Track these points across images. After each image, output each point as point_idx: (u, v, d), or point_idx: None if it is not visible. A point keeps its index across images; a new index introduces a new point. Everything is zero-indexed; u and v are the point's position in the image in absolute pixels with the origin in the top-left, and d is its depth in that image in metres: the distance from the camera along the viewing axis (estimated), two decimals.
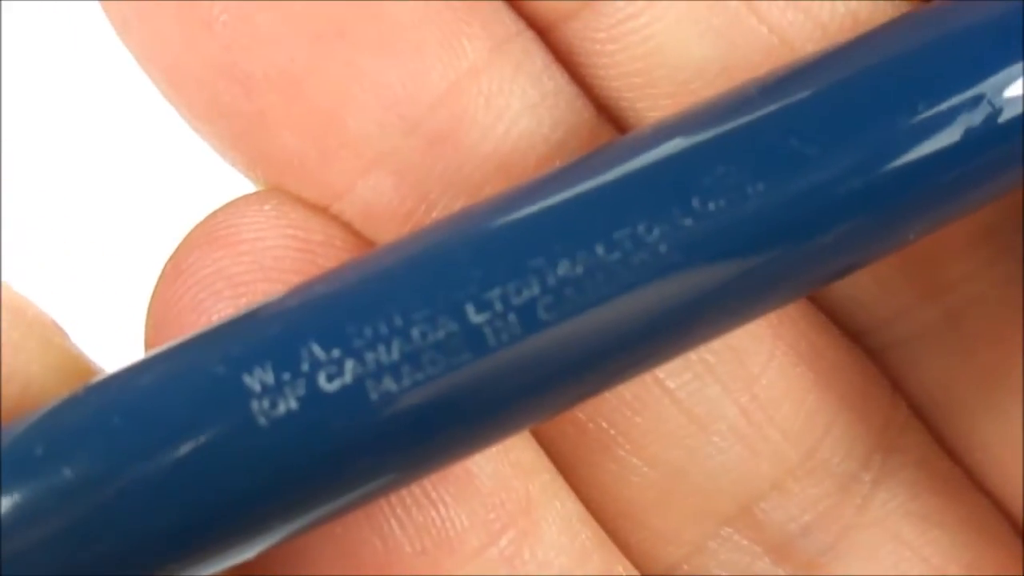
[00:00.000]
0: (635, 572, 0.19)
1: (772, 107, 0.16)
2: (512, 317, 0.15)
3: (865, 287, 0.19)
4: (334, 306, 0.15)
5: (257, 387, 0.15)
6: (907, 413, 0.20)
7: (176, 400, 0.15)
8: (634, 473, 0.19)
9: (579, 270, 0.15)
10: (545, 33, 0.18)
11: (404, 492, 0.17)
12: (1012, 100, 0.16)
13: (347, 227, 0.18)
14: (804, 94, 0.16)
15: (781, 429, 0.19)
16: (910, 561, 0.19)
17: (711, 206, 0.15)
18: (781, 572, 0.19)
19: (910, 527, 0.20)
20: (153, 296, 0.18)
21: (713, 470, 0.19)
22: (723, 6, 0.18)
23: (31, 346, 0.16)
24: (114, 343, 0.18)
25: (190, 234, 0.18)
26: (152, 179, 0.36)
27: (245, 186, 0.19)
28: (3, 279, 0.17)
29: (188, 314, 0.17)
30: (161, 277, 0.18)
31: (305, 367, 0.15)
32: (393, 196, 0.18)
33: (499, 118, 0.18)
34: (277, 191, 0.18)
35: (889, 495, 0.20)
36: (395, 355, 0.15)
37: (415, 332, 0.15)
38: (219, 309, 0.17)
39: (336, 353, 0.15)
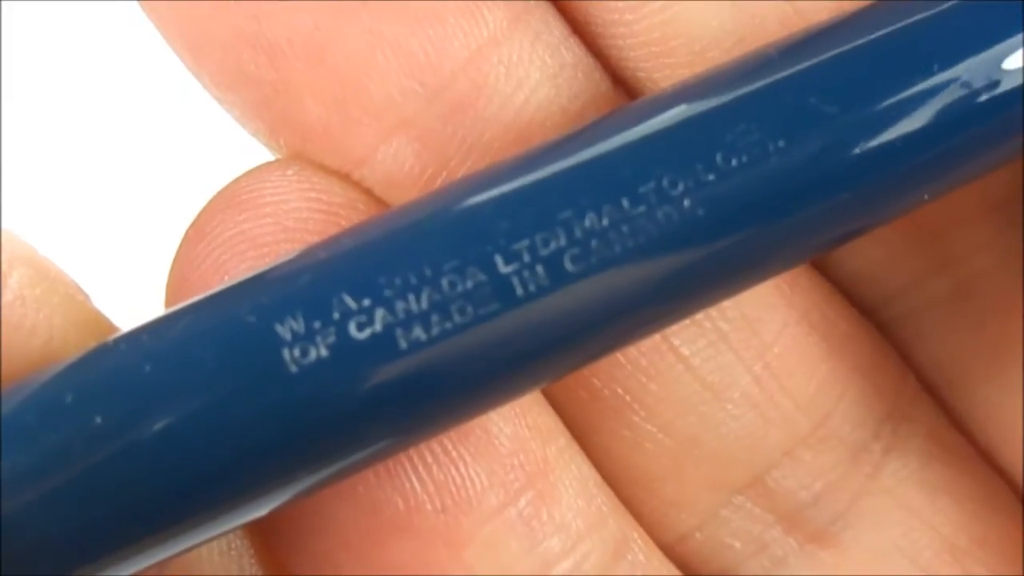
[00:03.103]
0: (649, 540, 0.19)
1: (792, 67, 0.16)
2: (539, 268, 0.15)
3: (876, 260, 0.20)
4: (364, 256, 0.15)
5: (288, 335, 0.15)
6: (917, 384, 0.20)
7: (208, 348, 0.15)
8: (648, 440, 0.19)
9: (605, 222, 0.15)
10: (563, 4, 0.19)
11: (425, 450, 0.17)
12: None
13: (369, 192, 0.18)
14: (823, 55, 0.16)
15: (793, 398, 0.19)
16: (920, 530, 0.20)
17: (734, 162, 0.16)
18: (792, 541, 0.20)
19: (920, 497, 0.20)
20: (174, 261, 0.18)
21: (726, 437, 0.19)
22: None
23: (54, 301, 0.16)
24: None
25: (212, 199, 0.18)
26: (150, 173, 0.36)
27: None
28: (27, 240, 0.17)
29: (211, 276, 0.17)
30: (183, 242, 0.18)
31: (336, 316, 0.15)
32: (414, 163, 0.18)
33: (519, 87, 0.18)
34: (299, 157, 0.18)
35: (899, 465, 0.20)
36: (424, 304, 0.15)
37: (444, 282, 0.15)
38: (242, 271, 0.17)
39: (366, 302, 0.15)
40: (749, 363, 0.19)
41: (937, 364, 0.20)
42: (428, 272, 0.15)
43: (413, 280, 0.15)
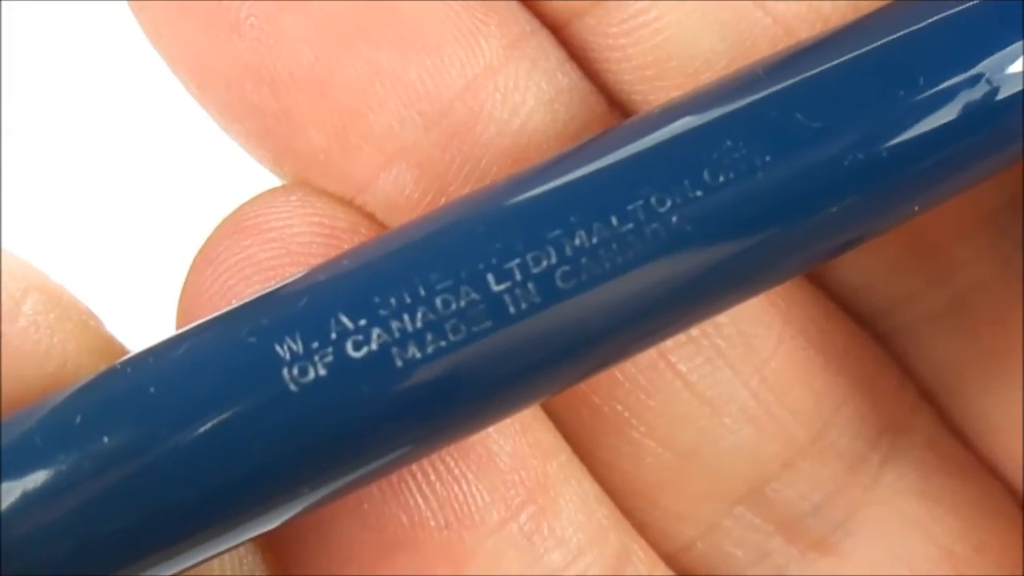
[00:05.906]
0: (651, 550, 0.20)
1: (778, 84, 0.17)
2: (531, 286, 0.16)
3: (872, 272, 0.20)
4: (360, 277, 0.16)
5: (288, 355, 0.15)
6: (915, 395, 0.21)
7: (210, 369, 0.16)
8: (648, 454, 0.19)
9: (594, 240, 0.16)
10: (559, 30, 0.19)
11: (428, 467, 0.18)
12: (1011, 77, 0.17)
13: (371, 217, 0.19)
14: (809, 72, 0.17)
15: (791, 411, 0.20)
16: (918, 540, 0.20)
17: (721, 179, 0.16)
18: (793, 550, 0.20)
19: (918, 507, 0.20)
20: (184, 287, 0.18)
21: (725, 451, 0.20)
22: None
23: (67, 327, 0.17)
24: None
25: (219, 226, 0.18)
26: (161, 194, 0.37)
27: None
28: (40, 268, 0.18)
29: (219, 300, 0.18)
30: (191, 268, 0.18)
31: (333, 336, 0.16)
32: (414, 189, 0.18)
33: (515, 113, 0.19)
34: (303, 184, 0.19)
35: (897, 475, 0.20)
36: (419, 323, 0.16)
37: (438, 301, 0.16)
38: (248, 295, 0.18)
39: (363, 322, 0.16)
40: (746, 378, 0.19)
41: (935, 374, 0.20)
42: (422, 292, 0.16)
43: (408, 300, 0.16)
